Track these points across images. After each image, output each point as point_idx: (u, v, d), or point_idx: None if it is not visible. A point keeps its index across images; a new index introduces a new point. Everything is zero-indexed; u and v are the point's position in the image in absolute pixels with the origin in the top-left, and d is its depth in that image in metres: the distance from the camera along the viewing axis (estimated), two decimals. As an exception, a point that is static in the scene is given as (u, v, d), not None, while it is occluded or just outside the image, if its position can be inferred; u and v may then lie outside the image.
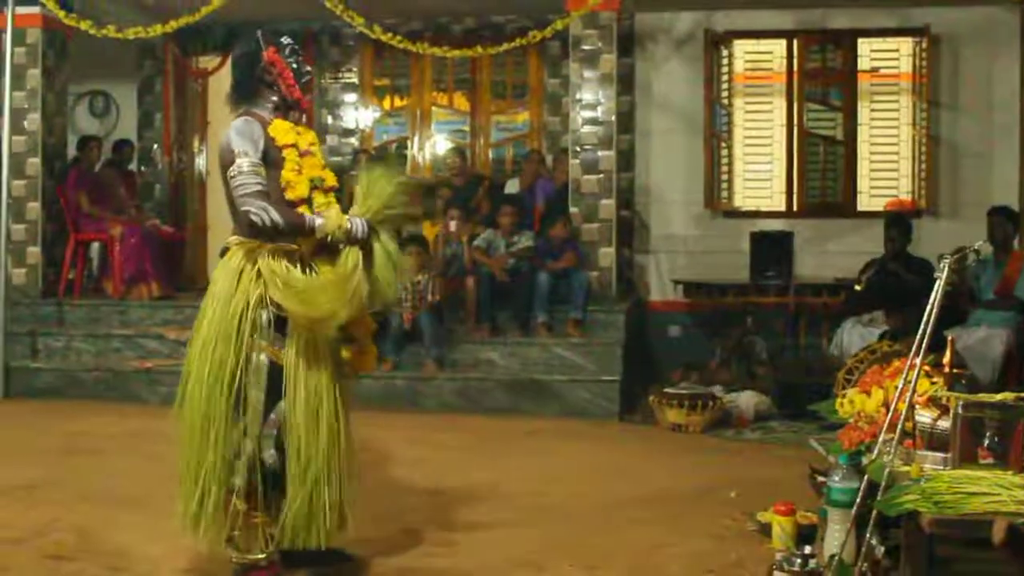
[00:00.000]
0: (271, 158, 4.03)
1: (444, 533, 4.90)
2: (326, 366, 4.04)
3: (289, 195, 4.05)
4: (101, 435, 7.11)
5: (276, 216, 3.92)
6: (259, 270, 3.97)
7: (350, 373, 4.25)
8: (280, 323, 3.98)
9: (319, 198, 4.11)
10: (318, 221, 4.00)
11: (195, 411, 3.96)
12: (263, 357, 3.97)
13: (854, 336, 7.93)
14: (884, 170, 9.85)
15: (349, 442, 4.16)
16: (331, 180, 4.14)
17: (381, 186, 4.15)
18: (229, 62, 4.32)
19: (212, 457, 3.92)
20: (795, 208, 9.84)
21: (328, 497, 4.00)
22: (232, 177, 3.97)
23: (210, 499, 3.94)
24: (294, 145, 4.07)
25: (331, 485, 4.01)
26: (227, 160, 3.99)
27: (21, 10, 8.97)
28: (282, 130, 4.08)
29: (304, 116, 4.52)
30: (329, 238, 4.01)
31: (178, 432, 4.01)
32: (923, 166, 9.59)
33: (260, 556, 4.05)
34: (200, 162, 11.43)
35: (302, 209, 4.06)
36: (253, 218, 3.91)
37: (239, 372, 3.94)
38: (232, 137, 4.00)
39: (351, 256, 4.02)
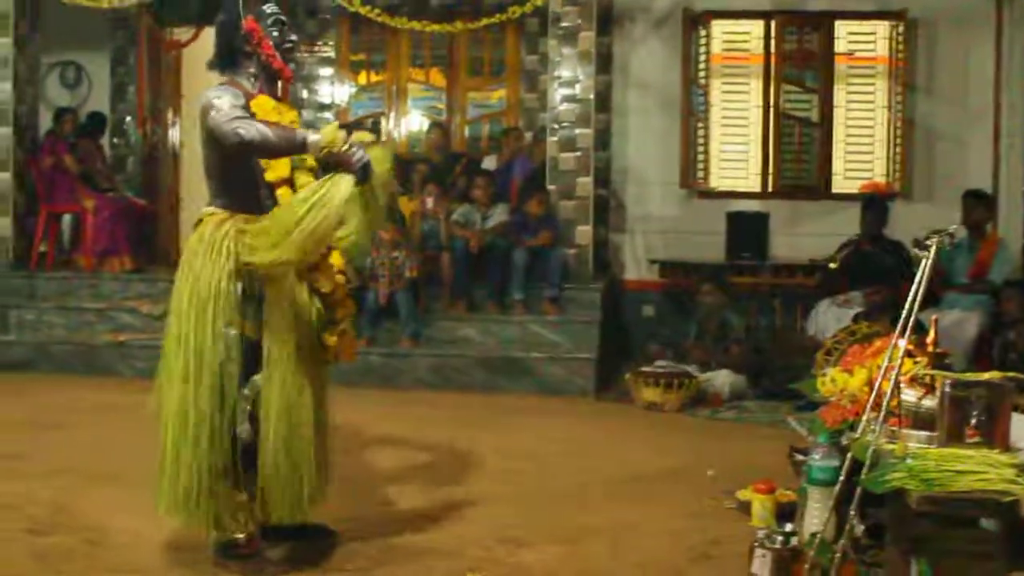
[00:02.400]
0: None
1: (421, 510, 4.88)
2: (301, 341, 3.96)
3: (269, 176, 3.98)
4: (74, 408, 7.05)
5: (264, 128, 3.74)
6: (228, 242, 3.87)
7: (330, 359, 4.15)
8: (253, 295, 3.91)
9: (301, 178, 4.04)
10: (311, 136, 3.78)
11: (174, 390, 3.88)
12: (234, 331, 3.89)
13: (829, 317, 7.97)
14: (859, 152, 9.86)
15: (324, 419, 4.12)
16: (310, 160, 4.03)
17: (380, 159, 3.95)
18: (213, 29, 4.21)
19: (194, 437, 3.84)
20: (770, 189, 9.84)
21: (304, 472, 3.95)
22: (212, 117, 3.79)
23: (195, 482, 3.84)
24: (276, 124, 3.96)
25: (305, 460, 3.95)
26: (206, 113, 3.85)
27: (-8, -22, 8.85)
28: (264, 109, 3.97)
29: (286, 86, 4.43)
30: (322, 154, 3.80)
31: (158, 412, 3.93)
32: (898, 149, 9.62)
33: (239, 534, 4.02)
34: (173, 135, 11.30)
35: (284, 190, 3.98)
36: (241, 132, 3.71)
37: (216, 347, 3.86)
38: (211, 93, 3.89)
39: (329, 185, 3.77)
